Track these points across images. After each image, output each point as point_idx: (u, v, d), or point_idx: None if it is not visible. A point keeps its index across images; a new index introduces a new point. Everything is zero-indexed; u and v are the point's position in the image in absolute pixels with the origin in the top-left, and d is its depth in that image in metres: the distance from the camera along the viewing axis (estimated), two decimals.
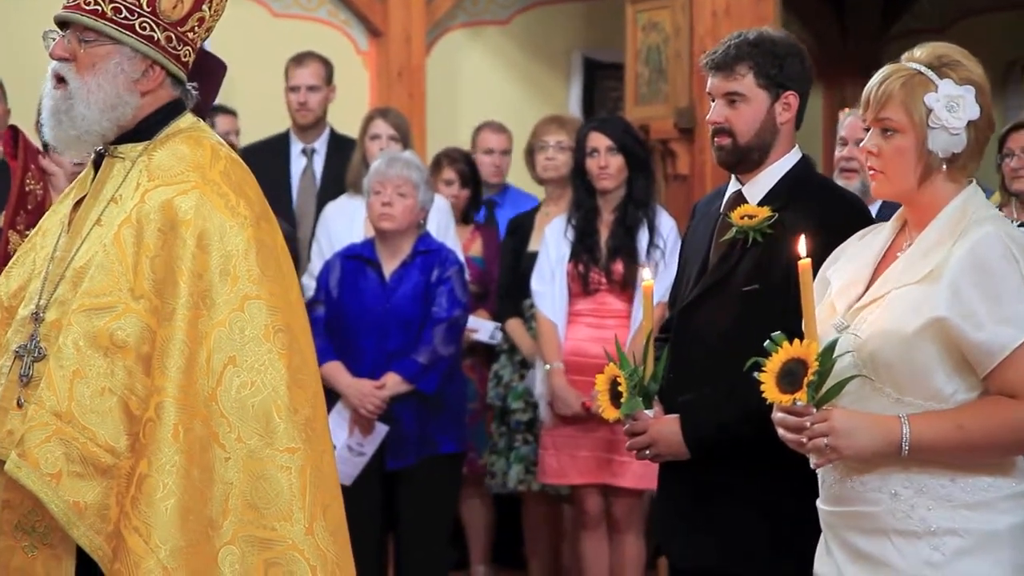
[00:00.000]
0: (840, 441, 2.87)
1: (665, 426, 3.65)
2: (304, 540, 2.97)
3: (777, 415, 2.93)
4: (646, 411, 3.63)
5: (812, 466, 2.98)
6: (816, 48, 9.32)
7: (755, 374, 2.91)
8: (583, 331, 5.73)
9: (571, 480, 5.78)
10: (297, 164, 6.89)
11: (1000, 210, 5.19)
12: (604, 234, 5.74)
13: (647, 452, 3.68)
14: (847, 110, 5.56)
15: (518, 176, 7.06)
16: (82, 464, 2.94)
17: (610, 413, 3.61)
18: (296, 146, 6.92)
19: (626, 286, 5.65)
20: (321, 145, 6.91)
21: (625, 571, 5.80)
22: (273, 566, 2.96)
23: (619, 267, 5.66)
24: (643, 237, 5.69)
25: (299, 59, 6.93)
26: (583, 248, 5.73)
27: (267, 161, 6.66)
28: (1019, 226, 5.06)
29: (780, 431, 2.93)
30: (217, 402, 2.96)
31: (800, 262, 2.88)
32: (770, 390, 2.88)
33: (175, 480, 2.91)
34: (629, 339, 5.49)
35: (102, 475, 2.95)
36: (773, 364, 2.88)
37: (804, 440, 2.89)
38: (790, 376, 2.86)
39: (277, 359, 3.00)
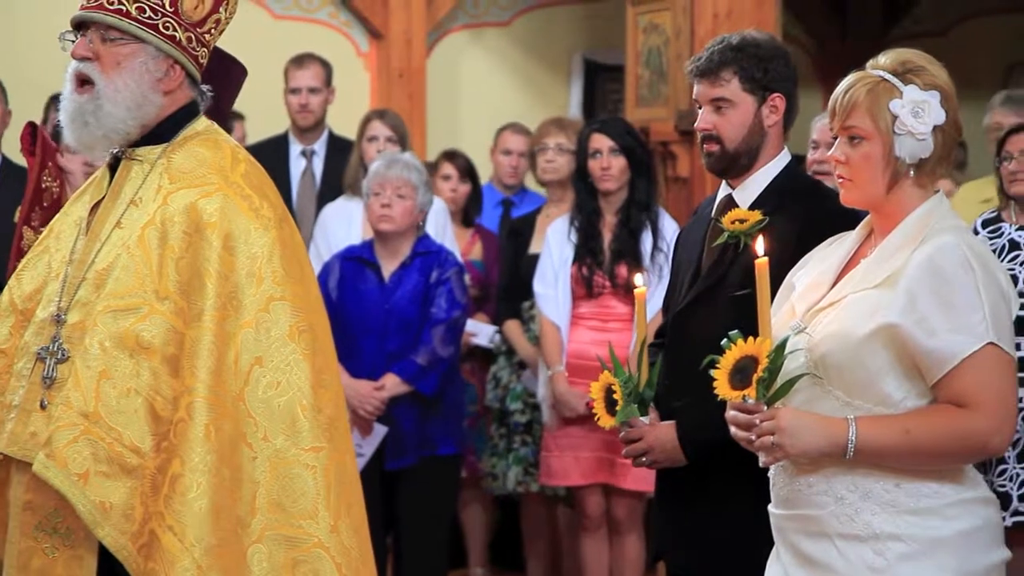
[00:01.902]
0: (786, 440, 2.86)
1: (661, 432, 3.66)
2: (329, 538, 3.02)
3: (729, 412, 2.95)
4: (642, 418, 3.63)
5: (760, 464, 2.99)
6: (817, 50, 9.34)
7: (711, 371, 2.93)
8: (586, 334, 5.74)
9: (573, 481, 5.80)
10: (296, 166, 6.90)
11: (999, 214, 5.22)
12: (607, 236, 5.75)
13: (644, 459, 3.69)
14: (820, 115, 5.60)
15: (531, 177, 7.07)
16: (108, 464, 2.98)
17: (606, 421, 3.61)
18: (295, 148, 6.93)
19: (630, 290, 5.64)
20: (320, 147, 6.92)
21: (625, 572, 5.81)
22: (300, 564, 3.00)
23: (623, 271, 5.67)
24: (647, 240, 5.70)
25: (299, 61, 6.93)
26: (586, 251, 5.73)
27: (266, 162, 6.61)
28: (1018, 230, 5.09)
29: (731, 429, 2.95)
30: (245, 402, 3.00)
31: (757, 261, 2.89)
32: (722, 386, 2.90)
33: (208, 479, 2.95)
34: (632, 344, 5.48)
35: (127, 475, 2.98)
36: (727, 361, 2.90)
37: (752, 437, 2.90)
38: (741, 373, 2.88)
39: (302, 359, 3.05)
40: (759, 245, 2.90)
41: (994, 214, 5.26)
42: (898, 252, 2.93)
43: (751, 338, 2.86)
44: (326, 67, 6.94)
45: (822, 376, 2.92)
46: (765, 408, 2.87)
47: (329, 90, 6.94)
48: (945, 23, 9.27)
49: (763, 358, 2.85)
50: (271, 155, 6.82)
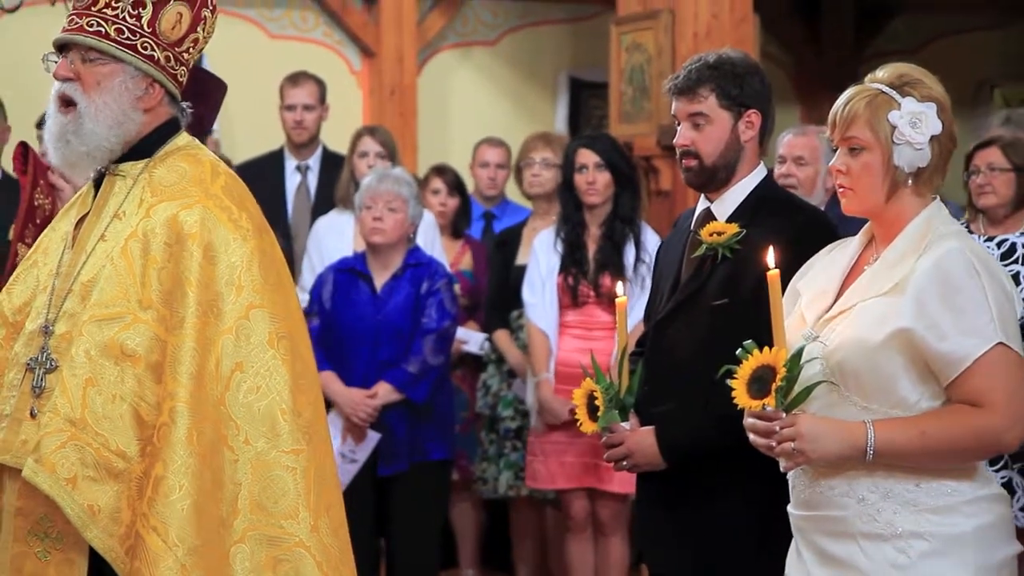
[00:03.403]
0: (807, 445, 2.88)
1: (641, 437, 3.66)
2: (310, 537, 3.01)
3: (748, 420, 2.95)
4: (622, 423, 3.63)
5: (781, 470, 3.00)
6: (793, 68, 9.35)
7: (727, 381, 2.93)
8: (572, 342, 5.74)
9: (558, 485, 5.80)
10: (292, 180, 6.90)
11: (968, 225, 5.25)
12: (591, 248, 5.75)
13: (624, 463, 3.69)
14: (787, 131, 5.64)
15: (516, 191, 7.08)
16: (95, 469, 2.97)
17: (588, 427, 3.62)
18: (290, 163, 6.93)
19: (613, 299, 5.62)
20: (315, 162, 6.92)
21: (610, 573, 5.81)
22: (281, 563, 2.99)
23: (607, 281, 5.67)
24: (629, 252, 5.71)
25: (294, 79, 6.93)
26: (572, 261, 5.74)
27: (262, 177, 6.69)
28: (986, 240, 5.11)
29: (751, 436, 2.95)
30: (226, 406, 3.00)
31: (769, 273, 2.90)
32: (741, 396, 2.91)
33: (190, 481, 2.93)
34: (615, 352, 5.49)
35: (114, 479, 2.97)
36: (744, 371, 2.90)
37: (773, 444, 2.91)
38: (759, 382, 2.88)
39: (281, 364, 3.04)
40: (770, 258, 2.91)
41: (963, 225, 5.29)
42: (903, 259, 2.95)
43: (767, 348, 2.87)
44: (320, 85, 6.95)
45: (839, 382, 2.94)
46: (784, 415, 2.88)
47: (323, 107, 6.94)
48: (917, 41, 9.30)
49: (780, 367, 2.86)
50: (267, 170, 6.84)
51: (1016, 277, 5.07)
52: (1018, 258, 5.10)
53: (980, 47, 9.28)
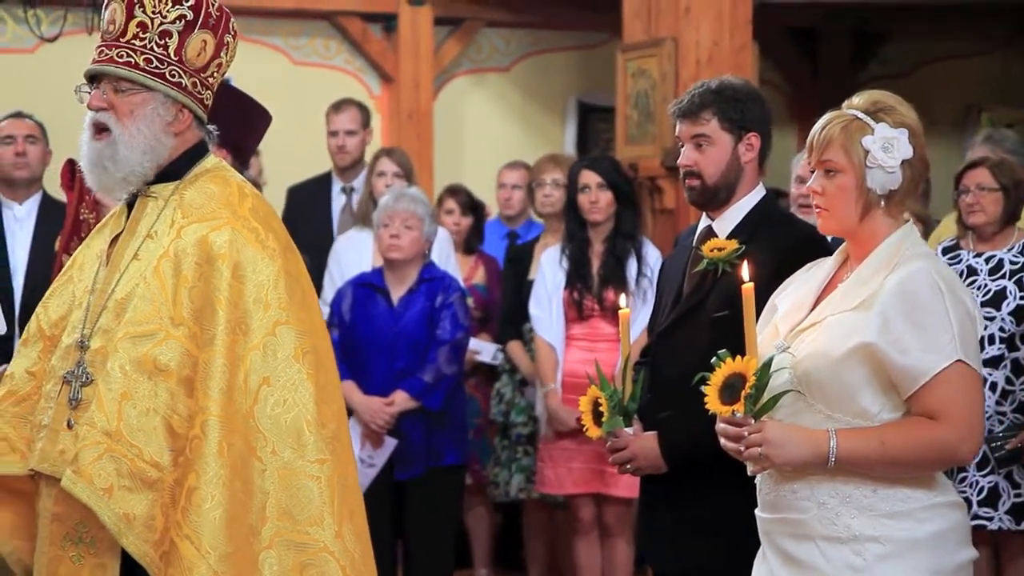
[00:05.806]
0: (772, 451, 2.88)
1: (644, 442, 3.66)
2: (334, 543, 3.01)
3: (719, 425, 2.95)
4: (626, 429, 3.63)
5: (749, 473, 3.00)
6: (791, 93, 9.34)
7: (701, 387, 2.92)
8: (577, 354, 5.74)
9: (566, 490, 5.80)
10: (337, 201, 6.86)
11: (958, 242, 5.23)
12: (595, 264, 5.76)
13: (628, 466, 3.68)
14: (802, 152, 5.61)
15: None
16: (131, 479, 2.97)
17: (593, 432, 3.62)
18: (337, 185, 6.88)
19: (616, 312, 5.63)
20: (359, 183, 6.86)
21: (616, 573, 5.79)
22: (308, 567, 2.99)
23: (610, 295, 5.67)
24: (631, 266, 5.71)
25: (338, 106, 6.89)
26: (577, 276, 5.74)
27: (310, 198, 6.71)
28: (975, 256, 5.09)
29: (721, 440, 2.95)
30: (254, 419, 3.00)
31: (743, 287, 2.90)
32: (712, 401, 2.91)
33: (221, 492, 2.94)
34: (618, 362, 5.47)
35: (148, 488, 2.97)
36: (716, 378, 2.90)
37: (741, 448, 2.91)
38: (731, 389, 2.88)
39: (306, 378, 3.04)
40: (744, 272, 2.91)
41: (953, 242, 5.28)
42: (873, 277, 2.94)
43: (739, 357, 2.87)
44: (363, 111, 6.87)
45: (805, 392, 2.93)
46: (753, 421, 2.88)
47: (366, 131, 6.87)
48: (908, 66, 9.29)
49: (750, 375, 2.86)
50: (316, 192, 6.84)
51: (1003, 292, 5.06)
52: (1005, 273, 5.09)
53: (969, 72, 9.26)
